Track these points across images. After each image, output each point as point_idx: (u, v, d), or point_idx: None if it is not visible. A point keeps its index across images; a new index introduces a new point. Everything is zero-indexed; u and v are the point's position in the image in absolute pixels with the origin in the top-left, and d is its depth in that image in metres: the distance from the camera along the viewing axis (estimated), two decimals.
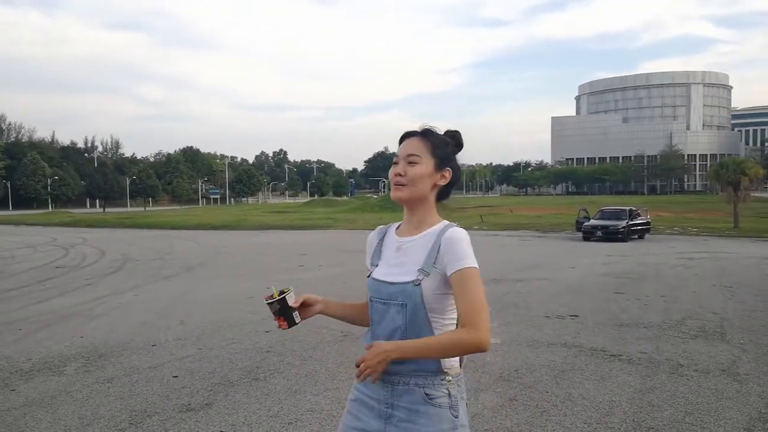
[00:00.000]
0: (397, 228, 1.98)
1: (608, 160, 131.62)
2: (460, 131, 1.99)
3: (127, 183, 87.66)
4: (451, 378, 1.82)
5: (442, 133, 1.96)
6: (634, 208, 24.47)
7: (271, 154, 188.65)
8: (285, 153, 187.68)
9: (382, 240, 1.98)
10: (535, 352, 5.93)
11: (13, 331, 7.14)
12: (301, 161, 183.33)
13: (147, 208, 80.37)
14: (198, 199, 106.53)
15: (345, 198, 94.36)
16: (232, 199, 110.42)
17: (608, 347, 6.11)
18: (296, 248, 19.18)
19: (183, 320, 7.64)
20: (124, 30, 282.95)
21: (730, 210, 28.63)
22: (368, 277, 1.94)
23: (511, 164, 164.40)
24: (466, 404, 1.87)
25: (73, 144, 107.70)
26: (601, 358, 5.69)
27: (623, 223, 22.12)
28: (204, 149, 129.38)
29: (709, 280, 11.30)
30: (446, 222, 1.90)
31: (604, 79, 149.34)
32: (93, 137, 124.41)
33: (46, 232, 31.69)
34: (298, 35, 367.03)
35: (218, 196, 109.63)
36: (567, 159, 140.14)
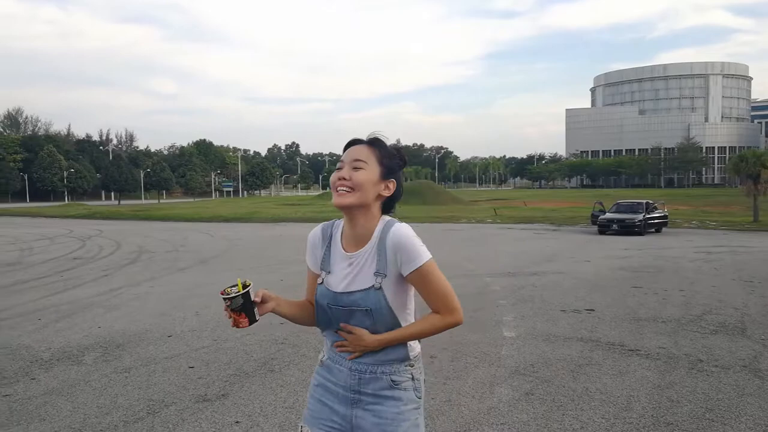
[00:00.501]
0: (341, 234, 1.93)
1: (624, 153, 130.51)
2: (402, 150, 1.96)
3: (142, 176, 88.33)
4: (413, 362, 1.91)
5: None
6: (651, 202, 24.22)
7: (283, 147, 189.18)
8: (297, 146, 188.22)
9: (329, 246, 1.94)
10: (551, 347, 5.89)
11: (32, 321, 7.22)
12: (313, 154, 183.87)
13: (161, 201, 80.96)
14: (211, 191, 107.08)
15: None
16: (245, 192, 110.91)
17: (626, 342, 6.05)
18: None
19: (198, 312, 7.67)
20: (136, 24, 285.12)
21: (750, 204, 28.29)
22: (320, 283, 1.92)
23: (524, 157, 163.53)
24: (424, 380, 1.97)
25: (89, 137, 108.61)
26: (619, 353, 5.64)
27: (640, 217, 21.90)
28: (217, 142, 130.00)
29: (729, 274, 11.17)
30: (384, 219, 1.88)
31: (620, 70, 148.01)
32: (108, 130, 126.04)
33: (62, 224, 32.01)
34: (309, 28, 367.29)
35: (231, 189, 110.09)
36: (582, 152, 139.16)
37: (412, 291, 1.89)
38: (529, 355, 5.57)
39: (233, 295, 1.80)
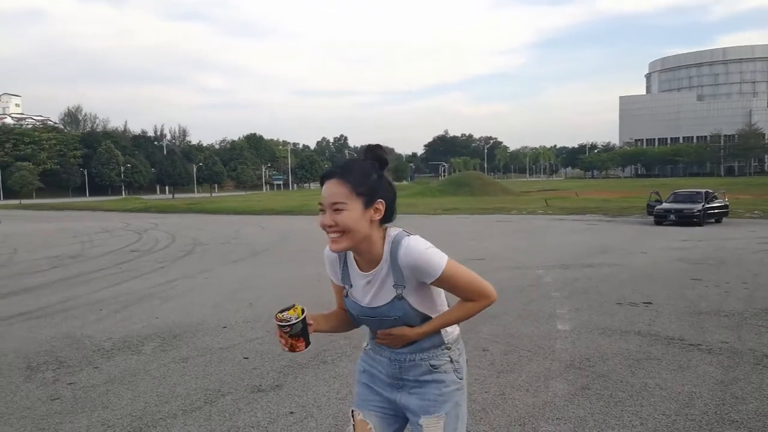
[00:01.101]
0: (353, 254, 1.92)
1: (681, 141, 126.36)
2: (380, 144, 1.87)
3: (194, 170, 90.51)
4: (451, 345, 1.95)
5: (364, 151, 1.86)
6: (710, 191, 23.29)
7: (331, 140, 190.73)
8: (345, 138, 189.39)
9: (345, 263, 1.94)
10: (607, 340, 5.74)
11: (94, 311, 7.49)
12: (362, 146, 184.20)
13: (213, 194, 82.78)
14: (262, 184, 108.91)
15: (405, 182, 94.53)
16: (295, 185, 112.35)
17: (686, 336, 5.85)
18: None
19: (251, 303, 7.80)
20: (187, 20, 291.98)
21: None
22: (346, 296, 1.95)
23: (576, 146, 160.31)
24: (466, 360, 2.02)
25: (144, 133, 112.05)
26: (679, 348, 5.45)
27: (699, 207, 21.08)
28: (267, 136, 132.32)
29: None
30: (390, 236, 1.83)
31: (676, 55, 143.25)
32: (162, 126, 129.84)
33: (120, 217, 33.12)
34: (355, 19, 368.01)
35: (281, 182, 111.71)
36: (636, 140, 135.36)
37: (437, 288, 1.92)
38: (584, 349, 5.45)
39: (293, 322, 1.78)
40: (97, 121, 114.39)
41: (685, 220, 20.72)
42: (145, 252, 14.65)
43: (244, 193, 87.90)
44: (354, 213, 1.76)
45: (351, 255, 1.93)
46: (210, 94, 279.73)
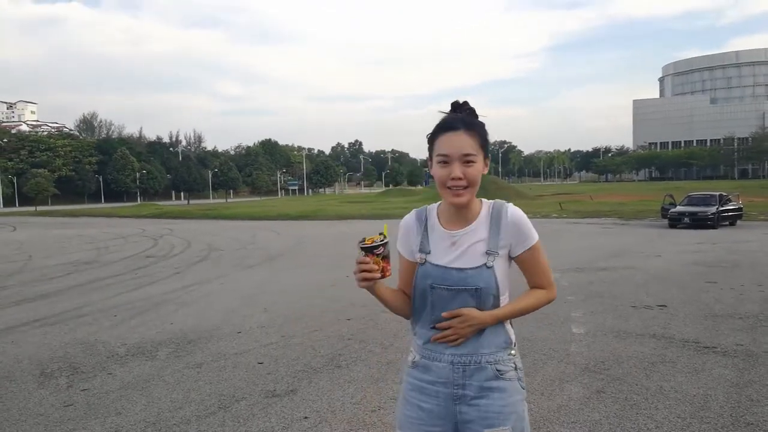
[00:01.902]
0: (438, 216, 1.85)
1: (695, 144, 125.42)
2: (468, 101, 1.82)
3: (210, 175, 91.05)
4: (514, 351, 1.85)
5: (451, 110, 1.81)
6: (724, 194, 23.08)
7: (346, 145, 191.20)
8: (360, 143, 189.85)
9: (425, 228, 1.85)
10: (622, 344, 5.70)
11: (109, 317, 7.55)
12: (376, 151, 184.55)
13: (228, 200, 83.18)
14: (277, 190, 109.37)
15: (420, 187, 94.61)
16: (310, 190, 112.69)
17: (701, 339, 5.80)
18: None
19: (266, 308, 7.83)
20: (203, 27, 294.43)
21: None
22: (422, 264, 1.81)
23: (590, 150, 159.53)
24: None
25: (159, 139, 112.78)
26: (694, 350, 5.41)
27: (713, 209, 20.92)
28: (282, 141, 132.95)
29: None
30: (492, 201, 1.84)
31: (689, 58, 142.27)
32: (177, 132, 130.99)
33: (135, 223, 33.36)
34: (369, 25, 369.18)
35: (296, 187, 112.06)
36: (650, 143, 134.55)
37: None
38: (599, 352, 5.42)
39: (385, 240, 1.69)
40: (113, 127, 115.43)
41: (699, 223, 20.58)
42: (160, 258, 14.76)
43: (259, 198, 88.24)
44: (480, 166, 1.75)
45: (434, 217, 1.85)
46: (225, 100, 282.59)
